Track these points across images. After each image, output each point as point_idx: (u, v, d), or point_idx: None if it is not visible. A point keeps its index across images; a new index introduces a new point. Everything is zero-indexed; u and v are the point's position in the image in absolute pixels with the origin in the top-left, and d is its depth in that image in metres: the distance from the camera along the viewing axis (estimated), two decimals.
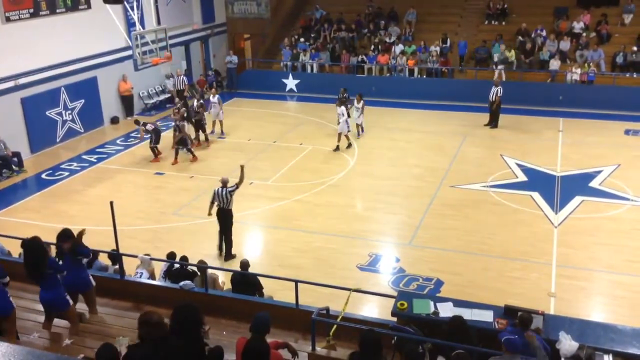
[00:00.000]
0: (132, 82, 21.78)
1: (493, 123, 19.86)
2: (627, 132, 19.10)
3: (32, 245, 6.82)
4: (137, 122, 18.04)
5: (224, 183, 11.83)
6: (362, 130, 19.36)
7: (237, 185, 11.88)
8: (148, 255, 9.90)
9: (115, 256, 9.14)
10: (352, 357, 5.55)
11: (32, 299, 8.03)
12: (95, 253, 10.01)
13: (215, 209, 12.00)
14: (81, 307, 7.87)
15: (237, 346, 5.47)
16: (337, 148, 17.82)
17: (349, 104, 18.85)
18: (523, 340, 6.01)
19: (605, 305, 10.41)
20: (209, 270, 9.60)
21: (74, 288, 7.44)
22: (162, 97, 23.46)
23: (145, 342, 4.74)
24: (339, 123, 17.78)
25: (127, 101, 21.90)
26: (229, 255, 11.98)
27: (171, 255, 10.05)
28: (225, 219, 11.95)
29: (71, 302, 7.11)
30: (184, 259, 9.94)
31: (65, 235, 7.37)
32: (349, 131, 17.94)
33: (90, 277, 7.65)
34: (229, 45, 27.96)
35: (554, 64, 22.21)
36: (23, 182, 16.43)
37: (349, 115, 17.97)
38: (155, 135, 17.41)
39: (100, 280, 8.44)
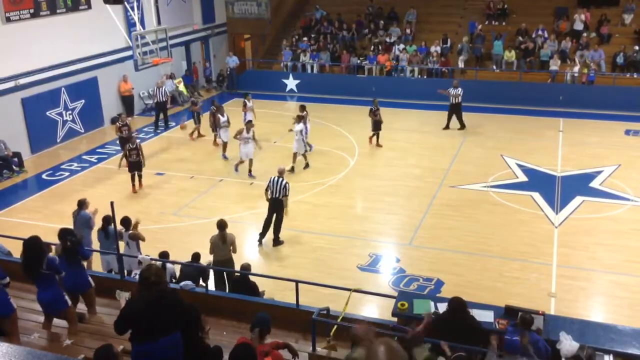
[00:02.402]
0: (133, 82, 21.79)
1: (460, 124, 19.69)
2: (627, 132, 19.10)
3: (31, 244, 6.84)
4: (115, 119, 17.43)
5: (280, 173, 12.35)
6: (310, 149, 17.44)
7: (285, 194, 12.27)
8: (148, 256, 9.90)
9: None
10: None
11: (32, 299, 8.02)
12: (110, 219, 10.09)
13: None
14: (82, 307, 7.87)
15: None
16: (292, 169, 16.23)
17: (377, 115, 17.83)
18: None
19: (605, 305, 10.41)
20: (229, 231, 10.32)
21: (74, 289, 7.46)
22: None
23: (142, 298, 4.93)
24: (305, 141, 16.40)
25: (127, 101, 21.91)
26: (277, 242, 12.50)
27: (164, 255, 10.09)
28: (275, 208, 12.34)
29: (69, 302, 7.12)
30: (196, 256, 9.96)
31: (67, 232, 7.40)
32: (306, 151, 16.56)
33: (89, 278, 7.68)
34: (229, 46, 27.98)
35: (554, 64, 22.21)
36: (23, 183, 16.42)
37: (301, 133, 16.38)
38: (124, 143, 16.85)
39: (101, 281, 8.45)
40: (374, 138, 18.31)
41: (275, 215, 12.39)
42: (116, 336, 7.01)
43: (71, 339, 6.82)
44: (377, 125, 18.03)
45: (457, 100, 19.41)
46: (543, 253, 11.87)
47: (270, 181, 12.31)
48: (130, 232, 10.35)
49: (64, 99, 19.21)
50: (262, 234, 12.60)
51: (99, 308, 7.98)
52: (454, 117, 19.62)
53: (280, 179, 12.21)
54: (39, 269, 6.76)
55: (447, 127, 19.73)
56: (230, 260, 10.27)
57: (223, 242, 10.14)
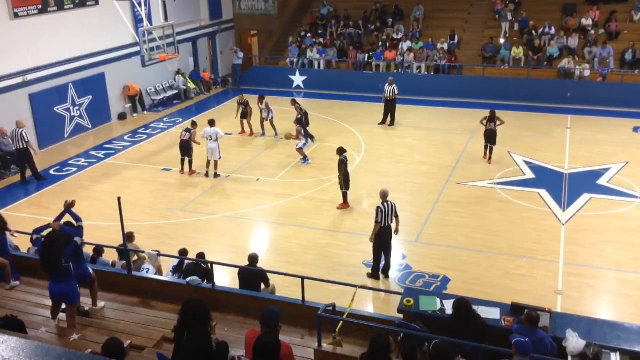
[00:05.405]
0: (140, 79, 21.75)
1: (390, 120, 19.83)
2: (635, 129, 18.98)
3: (52, 240, 6.94)
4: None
5: (384, 196, 10.77)
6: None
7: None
8: (157, 251, 9.94)
9: (123, 252, 9.23)
10: (362, 358, 5.54)
11: (40, 294, 8.10)
12: (100, 249, 10.07)
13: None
14: (87, 302, 7.91)
15: (247, 339, 5.43)
16: (218, 175, 15.93)
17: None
18: (534, 341, 6.00)
19: (612, 303, 10.37)
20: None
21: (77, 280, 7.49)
22: (169, 93, 23.56)
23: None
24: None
25: (134, 100, 22.01)
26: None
27: (183, 252, 10.02)
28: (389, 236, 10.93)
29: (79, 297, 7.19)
30: (201, 256, 9.89)
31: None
32: (220, 158, 15.87)
33: (90, 269, 7.78)
34: (236, 42, 28.00)
35: (563, 61, 22.10)
36: (31, 178, 16.48)
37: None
38: None
39: (108, 276, 8.49)
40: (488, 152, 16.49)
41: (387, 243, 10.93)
42: (123, 331, 7.07)
43: (78, 333, 6.86)
44: (490, 137, 16.31)
45: (391, 97, 19.55)
46: (550, 250, 11.83)
47: (383, 209, 10.66)
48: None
49: (72, 95, 19.28)
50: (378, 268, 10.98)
51: (107, 303, 8.02)
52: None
53: (390, 203, 10.69)
54: (59, 263, 6.85)
55: (383, 122, 19.94)
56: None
57: None
